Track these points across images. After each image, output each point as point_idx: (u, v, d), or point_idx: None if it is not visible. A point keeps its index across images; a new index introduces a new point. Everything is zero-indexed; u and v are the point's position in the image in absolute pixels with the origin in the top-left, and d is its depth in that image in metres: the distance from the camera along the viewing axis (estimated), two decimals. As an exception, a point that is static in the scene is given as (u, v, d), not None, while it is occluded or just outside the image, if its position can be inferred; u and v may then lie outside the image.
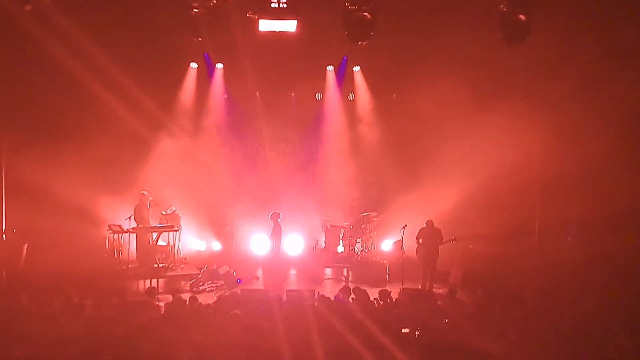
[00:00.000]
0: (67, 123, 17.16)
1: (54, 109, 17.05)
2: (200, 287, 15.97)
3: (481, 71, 17.10)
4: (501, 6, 14.74)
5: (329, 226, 19.22)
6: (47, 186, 16.44)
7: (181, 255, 17.84)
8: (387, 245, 18.98)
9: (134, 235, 17.22)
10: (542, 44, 15.93)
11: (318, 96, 20.76)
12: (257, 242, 18.75)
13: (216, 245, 18.26)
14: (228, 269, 16.32)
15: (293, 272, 17.85)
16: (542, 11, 15.01)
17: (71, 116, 17.11)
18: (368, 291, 12.90)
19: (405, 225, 16.68)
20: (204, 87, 19.88)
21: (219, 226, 19.12)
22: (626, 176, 16.49)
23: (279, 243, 16.69)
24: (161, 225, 17.65)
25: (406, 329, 10.36)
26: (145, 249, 17.19)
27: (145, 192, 17.69)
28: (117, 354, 9.00)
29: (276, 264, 16.82)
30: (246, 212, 18.95)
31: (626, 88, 15.81)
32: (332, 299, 12.44)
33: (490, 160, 17.32)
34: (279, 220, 16.63)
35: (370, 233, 19.26)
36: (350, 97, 20.83)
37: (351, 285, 15.37)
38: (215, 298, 13.25)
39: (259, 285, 16.82)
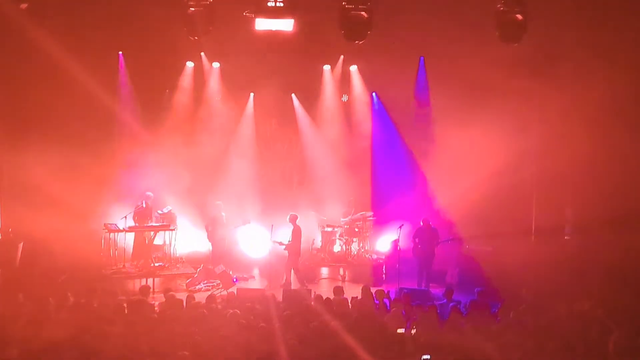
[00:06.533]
0: (60, 122, 17.14)
1: (47, 108, 16.98)
2: (197, 287, 15.96)
3: (477, 70, 17.10)
4: (498, 5, 14.77)
5: (325, 226, 19.19)
6: (42, 184, 16.38)
7: (177, 255, 17.80)
8: (383, 244, 18.97)
9: (131, 234, 17.21)
10: (537, 43, 15.97)
11: (344, 98, 20.74)
12: (252, 242, 18.73)
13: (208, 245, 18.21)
14: (224, 268, 16.28)
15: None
16: (538, 11, 15.05)
17: (64, 114, 17.07)
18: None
19: (402, 224, 16.68)
20: (200, 85, 19.84)
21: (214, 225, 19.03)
22: (623, 175, 16.52)
23: (299, 244, 16.68)
24: (157, 224, 17.63)
25: (402, 329, 10.35)
26: (142, 248, 17.18)
27: (150, 194, 17.71)
28: (113, 353, 8.97)
29: (299, 263, 16.85)
30: (243, 212, 18.90)
31: (621, 88, 15.84)
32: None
33: (486, 159, 17.34)
34: (297, 221, 16.63)
35: (366, 232, 19.24)
36: (344, 98, 20.80)
37: (348, 285, 15.49)
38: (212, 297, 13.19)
39: (255, 284, 16.83)
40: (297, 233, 16.53)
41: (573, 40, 16.42)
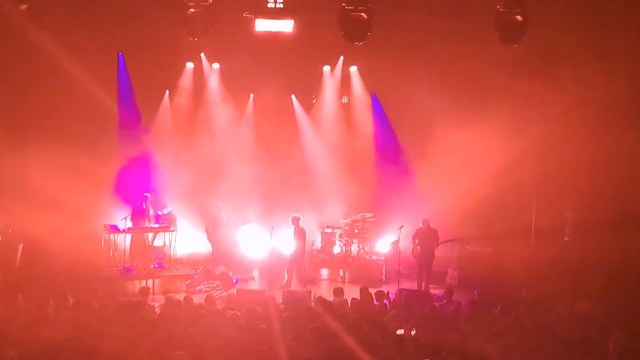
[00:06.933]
0: (60, 122, 17.16)
1: (47, 108, 17.01)
2: (197, 288, 15.94)
3: (477, 71, 17.11)
4: (498, 6, 14.78)
5: (325, 227, 19.17)
6: (42, 185, 16.38)
7: (177, 256, 17.78)
8: (383, 245, 18.95)
9: (130, 235, 17.22)
10: (536, 43, 15.97)
11: (344, 100, 20.75)
12: (252, 243, 18.72)
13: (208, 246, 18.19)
14: (224, 270, 16.27)
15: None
16: (537, 12, 15.06)
17: (64, 114, 17.08)
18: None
19: (402, 225, 16.66)
20: (200, 86, 19.83)
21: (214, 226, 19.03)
22: (623, 176, 16.52)
23: (304, 245, 16.71)
24: (157, 225, 17.62)
25: (401, 330, 10.34)
26: (140, 249, 17.16)
27: (148, 194, 17.71)
28: (113, 355, 8.96)
29: (303, 265, 16.93)
30: (243, 213, 18.88)
31: (621, 88, 15.85)
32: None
33: (486, 160, 17.34)
34: (300, 223, 16.63)
35: (366, 234, 19.23)
36: (344, 100, 20.81)
37: (348, 286, 15.46)
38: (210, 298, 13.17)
39: (255, 285, 16.83)
40: (301, 234, 16.53)
41: (573, 40, 16.41)
